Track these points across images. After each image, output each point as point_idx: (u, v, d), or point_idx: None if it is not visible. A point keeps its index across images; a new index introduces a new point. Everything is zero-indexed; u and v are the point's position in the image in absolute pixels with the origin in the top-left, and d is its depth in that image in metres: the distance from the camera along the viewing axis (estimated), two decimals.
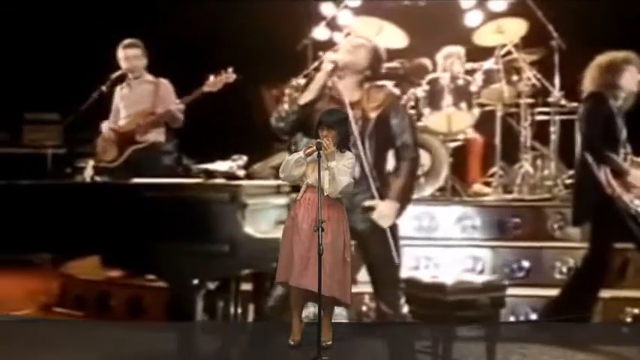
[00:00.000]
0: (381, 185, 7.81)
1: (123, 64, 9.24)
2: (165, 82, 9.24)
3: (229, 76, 8.84)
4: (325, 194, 6.31)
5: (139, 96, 9.21)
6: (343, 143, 6.43)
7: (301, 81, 8.83)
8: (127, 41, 9.25)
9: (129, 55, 9.24)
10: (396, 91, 8.12)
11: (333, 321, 6.58)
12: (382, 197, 7.81)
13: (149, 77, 9.28)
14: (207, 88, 8.84)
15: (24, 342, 7.04)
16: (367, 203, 7.72)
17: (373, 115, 7.79)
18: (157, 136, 9.18)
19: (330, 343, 6.49)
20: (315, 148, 6.27)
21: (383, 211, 7.79)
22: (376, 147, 7.79)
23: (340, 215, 6.46)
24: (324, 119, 6.43)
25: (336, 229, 6.39)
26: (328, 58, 7.99)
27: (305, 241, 6.33)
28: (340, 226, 6.44)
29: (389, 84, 8.15)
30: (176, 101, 9.08)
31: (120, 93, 9.27)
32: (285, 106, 8.01)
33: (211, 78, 8.84)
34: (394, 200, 7.80)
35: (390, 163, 8.27)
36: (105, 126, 9.25)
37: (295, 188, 6.74)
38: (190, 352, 7.00)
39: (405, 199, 7.87)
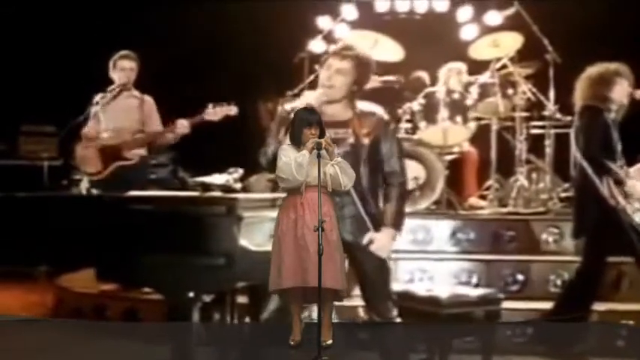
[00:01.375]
0: (376, 210, 7.83)
1: (117, 75, 9.15)
2: (149, 100, 9.13)
3: (231, 109, 8.79)
4: (342, 188, 6.42)
5: (123, 110, 9.08)
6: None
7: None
8: (123, 52, 9.19)
9: (125, 66, 9.16)
10: (385, 115, 8.13)
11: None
12: (375, 223, 7.81)
13: (135, 92, 9.19)
14: (208, 117, 8.79)
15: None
16: (365, 240, 7.77)
17: (366, 140, 7.79)
18: (141, 151, 9.14)
19: (330, 342, 6.51)
20: (317, 145, 6.33)
21: (381, 242, 7.81)
22: (369, 171, 7.80)
23: (333, 210, 6.53)
24: (310, 118, 6.49)
25: (336, 224, 6.48)
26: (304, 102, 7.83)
27: (315, 241, 6.31)
28: (336, 221, 6.52)
29: (378, 108, 8.14)
30: (157, 122, 9.04)
31: (101, 101, 9.15)
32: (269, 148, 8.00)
33: (210, 107, 8.78)
34: (390, 227, 7.82)
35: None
36: (85, 130, 9.13)
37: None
38: (191, 353, 7.02)
39: (399, 224, 7.91)
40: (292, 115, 6.74)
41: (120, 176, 8.90)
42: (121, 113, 9.09)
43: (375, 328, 8.07)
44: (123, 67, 9.14)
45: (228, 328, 8.01)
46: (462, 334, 7.74)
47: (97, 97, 9.13)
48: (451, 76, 10.50)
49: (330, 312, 6.58)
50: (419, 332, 7.82)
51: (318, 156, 6.28)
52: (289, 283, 6.42)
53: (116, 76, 9.15)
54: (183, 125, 8.83)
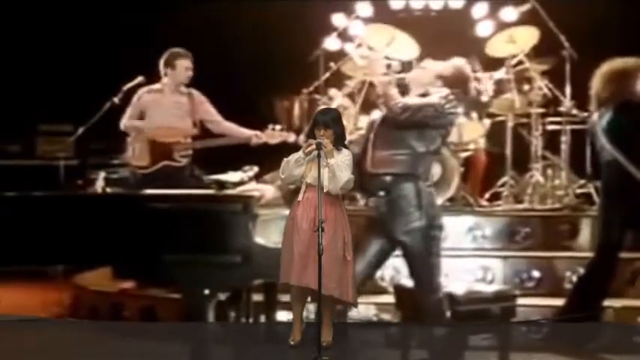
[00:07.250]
0: None
1: (176, 73, 9.02)
2: (197, 93, 9.06)
3: (290, 135, 8.79)
4: (325, 191, 6.41)
5: (173, 106, 8.97)
6: (340, 141, 6.55)
7: None
8: (181, 51, 8.97)
9: (187, 65, 9.02)
10: None
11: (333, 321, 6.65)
12: None
13: (183, 88, 9.12)
14: (266, 137, 8.76)
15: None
16: None
17: None
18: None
19: (329, 340, 6.53)
20: (314, 147, 6.38)
21: None
22: None
23: (338, 213, 6.55)
24: (319, 119, 6.55)
25: (333, 227, 6.47)
26: None
27: (304, 240, 6.42)
28: (338, 225, 6.52)
29: None
30: (213, 115, 9.00)
31: (149, 96, 9.04)
32: None
33: (269, 128, 8.78)
34: None
35: None
36: (127, 122, 9.06)
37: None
38: (189, 352, 7.06)
39: None
40: None
41: (165, 174, 8.87)
42: (170, 110, 9.02)
43: (376, 328, 8.10)
44: (187, 66, 8.99)
45: (228, 327, 8.02)
46: (470, 333, 7.75)
47: (141, 92, 9.04)
48: None
49: (331, 312, 6.62)
50: (419, 332, 7.83)
51: (318, 156, 6.32)
52: (283, 279, 6.54)
53: (174, 73, 9.01)
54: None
